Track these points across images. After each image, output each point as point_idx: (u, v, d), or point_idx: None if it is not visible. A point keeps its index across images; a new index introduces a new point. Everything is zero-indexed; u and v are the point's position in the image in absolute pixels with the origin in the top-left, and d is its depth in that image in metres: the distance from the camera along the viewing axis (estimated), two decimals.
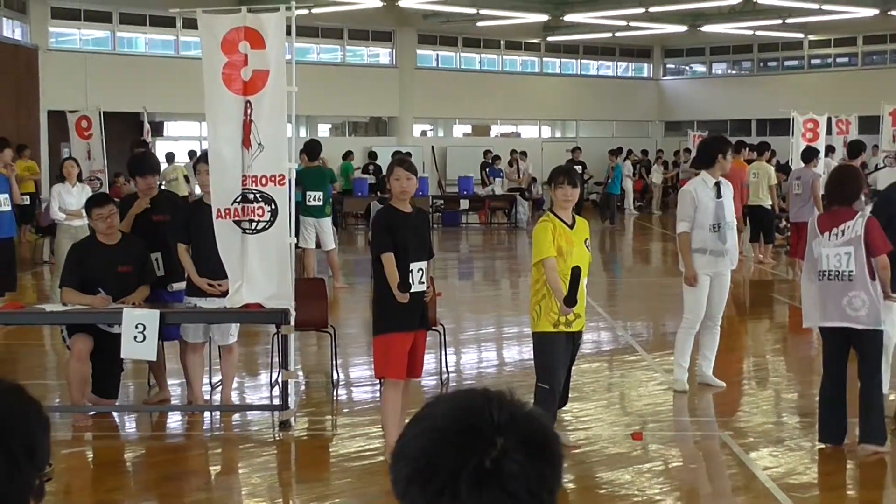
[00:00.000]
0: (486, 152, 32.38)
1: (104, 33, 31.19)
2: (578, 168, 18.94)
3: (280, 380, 8.88)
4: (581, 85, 40.25)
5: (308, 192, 15.85)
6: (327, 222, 16.38)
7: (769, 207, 18.91)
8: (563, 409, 8.35)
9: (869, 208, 9.19)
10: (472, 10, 31.70)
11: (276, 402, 9.14)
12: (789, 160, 21.12)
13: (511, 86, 37.94)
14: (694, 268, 9.60)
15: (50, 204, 16.00)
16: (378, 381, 8.64)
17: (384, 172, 18.51)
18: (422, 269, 7.50)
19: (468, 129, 38.75)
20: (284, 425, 8.67)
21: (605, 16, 33.59)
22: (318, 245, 16.35)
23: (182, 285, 9.27)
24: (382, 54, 36.77)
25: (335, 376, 10.25)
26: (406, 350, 7.48)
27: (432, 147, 35.72)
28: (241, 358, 10.32)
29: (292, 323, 8.71)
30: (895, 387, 9.38)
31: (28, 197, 19.49)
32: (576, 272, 7.49)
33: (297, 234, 9.46)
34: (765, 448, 8.18)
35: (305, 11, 23.25)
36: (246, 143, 8.58)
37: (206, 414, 9.33)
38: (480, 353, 12.62)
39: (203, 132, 25.07)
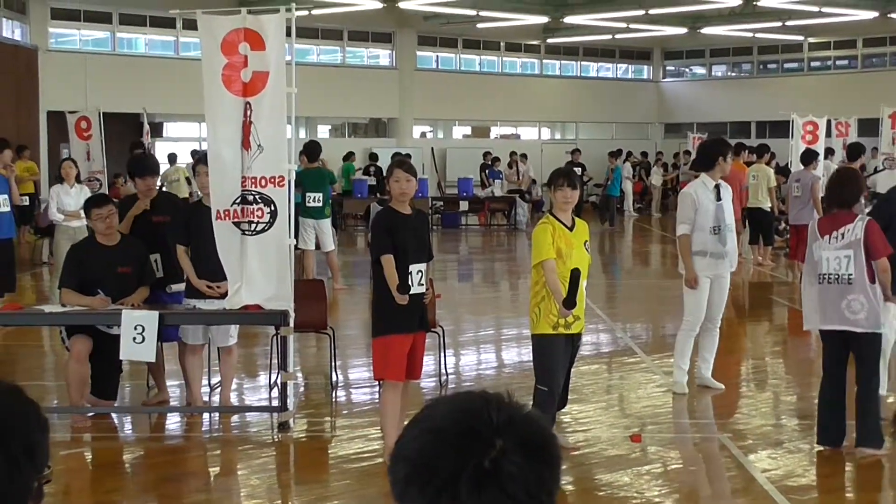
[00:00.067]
0: (486, 154, 32.38)
1: (104, 34, 31.18)
2: (578, 170, 18.97)
3: (279, 381, 8.87)
4: (581, 87, 40.26)
5: (307, 194, 15.86)
6: (327, 223, 16.38)
7: (768, 210, 18.92)
8: (563, 411, 8.35)
9: (867, 210, 9.19)
10: (472, 12, 31.71)
11: (275, 403, 9.13)
12: (789, 162, 21.13)
13: (511, 87, 37.96)
14: (694, 270, 9.60)
15: (48, 205, 16.00)
16: (377, 382, 8.65)
17: (385, 174, 18.51)
18: (421, 271, 7.50)
19: (468, 130, 38.76)
20: (283, 427, 8.66)
21: (604, 18, 33.60)
22: (318, 246, 16.35)
23: (181, 287, 9.27)
24: (382, 55, 36.78)
25: (334, 378, 10.25)
26: (405, 352, 7.48)
27: (432, 148, 35.72)
28: (240, 359, 10.31)
29: (291, 324, 8.71)
30: (893, 389, 9.39)
31: (27, 198, 19.48)
32: (575, 274, 7.50)
33: (296, 236, 9.45)
34: (764, 450, 8.18)
35: (305, 13, 23.28)
36: (245, 144, 8.58)
37: (205, 415, 9.33)
38: (480, 354, 12.62)
39: (203, 133, 25.07)
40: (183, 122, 33.61)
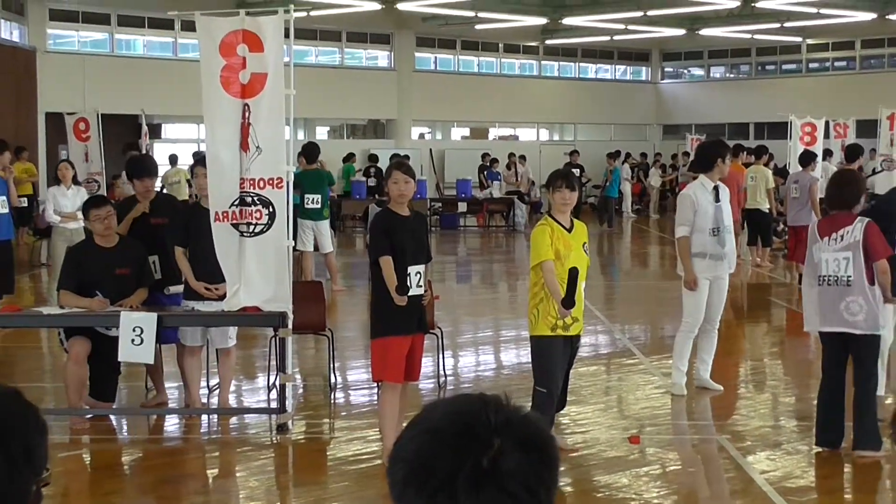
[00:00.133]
0: (485, 155, 32.38)
1: (102, 35, 31.16)
2: (576, 171, 18.98)
3: (277, 383, 8.87)
4: (579, 88, 40.26)
5: (306, 195, 15.85)
6: (325, 225, 16.38)
7: (767, 211, 18.93)
8: (561, 412, 8.35)
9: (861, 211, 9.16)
10: (471, 13, 31.70)
11: (274, 405, 9.12)
12: (787, 164, 21.13)
13: (509, 89, 37.95)
14: (694, 272, 9.59)
15: (45, 206, 16.00)
16: (376, 384, 8.64)
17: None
18: (420, 273, 7.50)
19: (466, 131, 38.74)
20: (282, 429, 8.66)
21: (603, 19, 33.60)
22: (316, 248, 16.35)
23: (179, 288, 9.26)
24: (381, 57, 36.77)
25: (333, 379, 10.24)
26: (404, 353, 7.48)
27: (430, 150, 35.72)
28: (239, 361, 10.31)
29: (290, 326, 8.70)
30: (892, 390, 9.39)
31: (26, 199, 19.48)
32: (573, 273, 7.49)
33: (294, 237, 9.46)
34: (762, 452, 8.19)
35: (304, 14, 23.29)
36: (244, 146, 8.58)
37: (204, 417, 9.32)
38: (478, 356, 12.62)
39: (201, 135, 25.07)
40: (181, 124, 33.58)
